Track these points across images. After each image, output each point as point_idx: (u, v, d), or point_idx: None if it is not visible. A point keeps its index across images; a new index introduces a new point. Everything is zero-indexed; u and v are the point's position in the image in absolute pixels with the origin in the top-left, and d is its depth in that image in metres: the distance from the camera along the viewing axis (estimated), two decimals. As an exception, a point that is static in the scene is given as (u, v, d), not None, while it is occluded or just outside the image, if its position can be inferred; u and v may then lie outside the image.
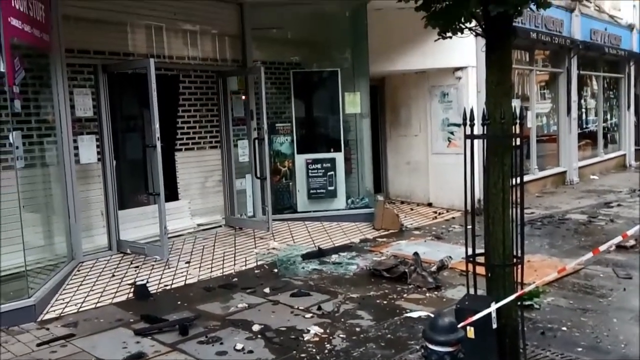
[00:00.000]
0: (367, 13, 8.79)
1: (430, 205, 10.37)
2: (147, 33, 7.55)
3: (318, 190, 9.01)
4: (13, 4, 4.99)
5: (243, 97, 8.64)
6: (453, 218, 9.33)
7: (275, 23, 9.05)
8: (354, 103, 9.11)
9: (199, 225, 8.23)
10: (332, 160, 9.01)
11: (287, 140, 9.12)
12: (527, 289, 3.69)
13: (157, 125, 6.41)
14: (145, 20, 7.47)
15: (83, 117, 6.75)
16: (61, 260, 6.32)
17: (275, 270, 6.50)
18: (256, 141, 8.31)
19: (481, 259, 3.76)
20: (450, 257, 6.43)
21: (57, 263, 6.21)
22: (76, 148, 6.58)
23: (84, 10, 6.65)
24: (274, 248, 7.40)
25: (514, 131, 3.64)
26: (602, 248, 3.61)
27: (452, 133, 9.89)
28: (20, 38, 5.20)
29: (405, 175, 10.87)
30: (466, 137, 3.64)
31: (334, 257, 6.95)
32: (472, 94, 9.55)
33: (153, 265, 6.60)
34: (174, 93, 7.98)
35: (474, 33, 4.00)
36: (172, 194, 7.89)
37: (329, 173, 8.99)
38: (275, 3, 8.50)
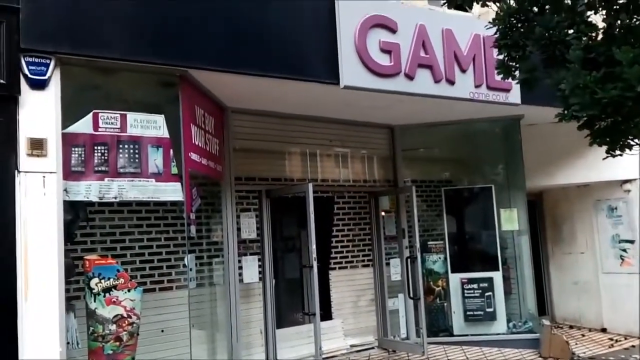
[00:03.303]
0: (520, 128, 8.64)
1: (604, 330, 9.30)
2: (305, 159, 8.06)
3: (475, 312, 8.53)
4: (193, 141, 5.67)
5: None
6: (633, 346, 8.24)
7: (425, 143, 9.23)
8: (510, 219, 8.74)
9: (351, 346, 8.11)
10: (490, 280, 8.56)
11: (440, 258, 8.90)
12: None
13: (314, 246, 6.64)
14: (304, 148, 8.01)
15: (247, 238, 7.22)
16: (222, 379, 6.52)
17: (433, 400, 6.11)
18: (408, 260, 8.23)
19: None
20: (636, 395, 5.60)
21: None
22: (240, 268, 6.98)
23: (251, 143, 7.32)
24: (430, 374, 7.01)
25: None
26: None
27: (624, 250, 9.00)
28: (198, 170, 5.83)
29: (573, 296, 9.94)
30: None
31: (497, 389, 6.39)
32: (644, 208, 8.75)
33: (307, 387, 6.55)
34: (329, 214, 8.30)
35: (647, 150, 3.75)
36: (325, 313, 7.94)
37: (486, 293, 8.53)
38: (424, 125, 8.71)
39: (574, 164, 8.90)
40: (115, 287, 4.86)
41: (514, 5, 4.32)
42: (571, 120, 3.96)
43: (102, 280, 4.83)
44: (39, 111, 4.58)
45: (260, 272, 7.28)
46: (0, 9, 4.49)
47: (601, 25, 4.19)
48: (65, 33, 4.75)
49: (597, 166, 8.20)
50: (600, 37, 4.14)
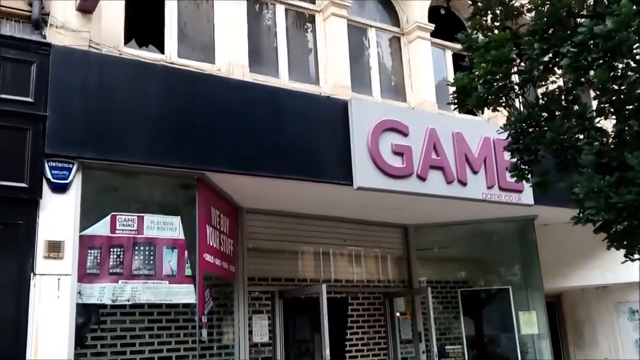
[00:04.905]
0: (534, 228, 8.58)
1: None
2: (318, 259, 8.01)
3: (498, 423, 8.06)
4: (208, 242, 5.68)
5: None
6: None
7: (439, 243, 9.16)
8: (530, 322, 8.46)
9: None
10: (511, 388, 8.18)
11: (458, 364, 8.55)
12: None
13: (328, 351, 6.43)
14: (317, 247, 7.97)
15: (259, 342, 7.01)
16: None
17: None
18: (426, 366, 7.92)
19: None
20: None
21: None
22: (251, 375, 6.74)
23: (265, 242, 7.32)
24: None
25: None
26: None
27: (650, 356, 8.63)
28: (212, 271, 5.79)
29: (599, 405, 9.43)
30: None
31: None
32: (668, 310, 8.49)
33: None
34: (342, 316, 8.09)
35: (669, 255, 3.70)
36: None
37: (508, 403, 8.10)
38: (438, 224, 8.69)
39: (590, 265, 8.75)
40: (122, 394, 4.70)
41: (524, 111, 4.43)
42: (587, 224, 3.94)
43: (110, 388, 4.68)
44: (59, 214, 4.66)
45: (271, 379, 7.01)
46: (28, 116, 4.71)
47: (611, 130, 4.27)
48: (89, 139, 4.93)
49: (613, 267, 8.01)
50: (611, 141, 4.21)
